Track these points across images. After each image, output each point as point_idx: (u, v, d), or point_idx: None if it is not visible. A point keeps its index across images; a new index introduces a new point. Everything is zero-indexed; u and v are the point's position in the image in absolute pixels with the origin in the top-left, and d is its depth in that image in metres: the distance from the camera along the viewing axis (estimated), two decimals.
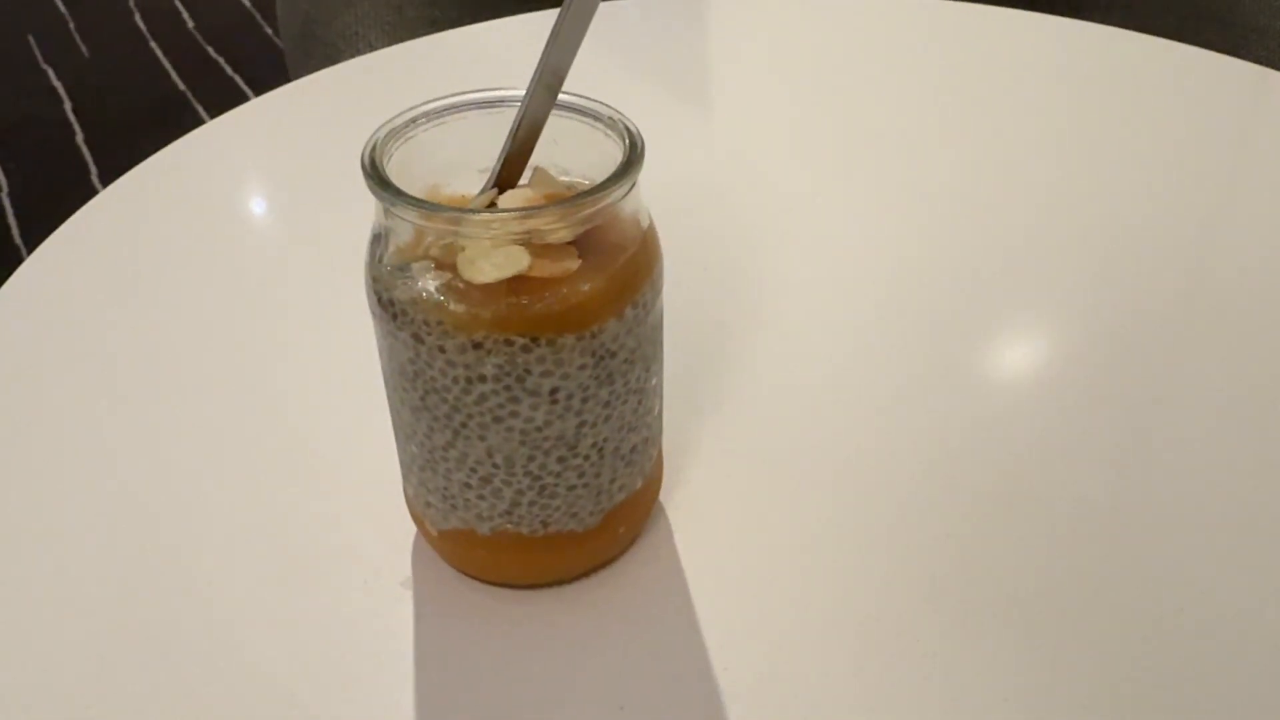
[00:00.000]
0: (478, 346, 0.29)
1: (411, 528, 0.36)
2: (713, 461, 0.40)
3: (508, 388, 0.30)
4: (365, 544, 0.37)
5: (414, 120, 0.32)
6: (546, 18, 0.68)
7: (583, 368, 0.30)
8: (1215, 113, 0.63)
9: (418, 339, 0.30)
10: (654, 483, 0.36)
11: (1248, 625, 0.34)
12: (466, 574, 0.35)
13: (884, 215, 0.55)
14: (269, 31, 2.14)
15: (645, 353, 0.32)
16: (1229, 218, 0.55)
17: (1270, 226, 0.53)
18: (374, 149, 0.30)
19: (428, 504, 0.34)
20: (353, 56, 0.78)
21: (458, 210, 0.29)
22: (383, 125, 0.31)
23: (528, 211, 0.29)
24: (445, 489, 0.33)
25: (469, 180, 0.34)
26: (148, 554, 0.37)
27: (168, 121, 1.83)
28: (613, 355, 0.31)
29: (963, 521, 0.37)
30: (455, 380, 0.30)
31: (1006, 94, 0.66)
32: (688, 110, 0.65)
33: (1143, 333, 0.46)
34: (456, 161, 0.33)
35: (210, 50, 2.10)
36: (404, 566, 0.36)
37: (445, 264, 0.30)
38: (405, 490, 0.36)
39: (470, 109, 0.33)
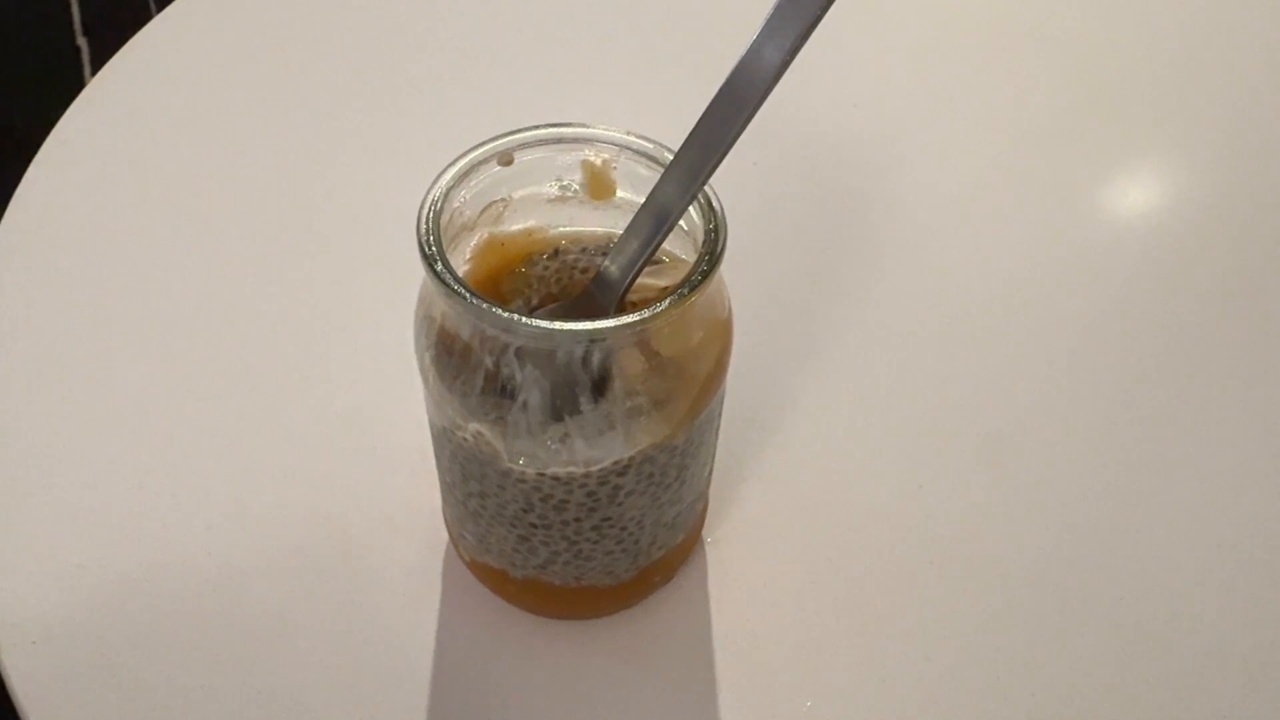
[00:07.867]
0: None
1: (444, 536, 0.36)
2: (753, 499, 0.38)
3: (554, 488, 0.29)
4: (397, 548, 0.36)
5: (476, 164, 0.28)
6: None
7: (638, 475, 0.29)
8: None
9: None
10: (694, 534, 0.35)
11: None
12: (496, 595, 0.35)
13: (924, 251, 0.48)
14: None
15: (697, 440, 0.30)
16: None
17: None
18: (432, 220, 0.27)
19: (462, 535, 0.33)
20: None
21: (534, 325, 0.25)
22: (437, 179, 0.27)
23: (597, 330, 0.25)
24: (482, 535, 0.32)
25: (533, 208, 0.30)
26: (167, 552, 0.36)
27: None
28: (671, 453, 0.29)
29: (1015, 585, 0.36)
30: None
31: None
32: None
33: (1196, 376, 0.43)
34: (516, 194, 0.30)
35: None
36: (435, 574, 0.36)
37: None
38: (444, 510, 0.35)
39: (537, 145, 0.29)
